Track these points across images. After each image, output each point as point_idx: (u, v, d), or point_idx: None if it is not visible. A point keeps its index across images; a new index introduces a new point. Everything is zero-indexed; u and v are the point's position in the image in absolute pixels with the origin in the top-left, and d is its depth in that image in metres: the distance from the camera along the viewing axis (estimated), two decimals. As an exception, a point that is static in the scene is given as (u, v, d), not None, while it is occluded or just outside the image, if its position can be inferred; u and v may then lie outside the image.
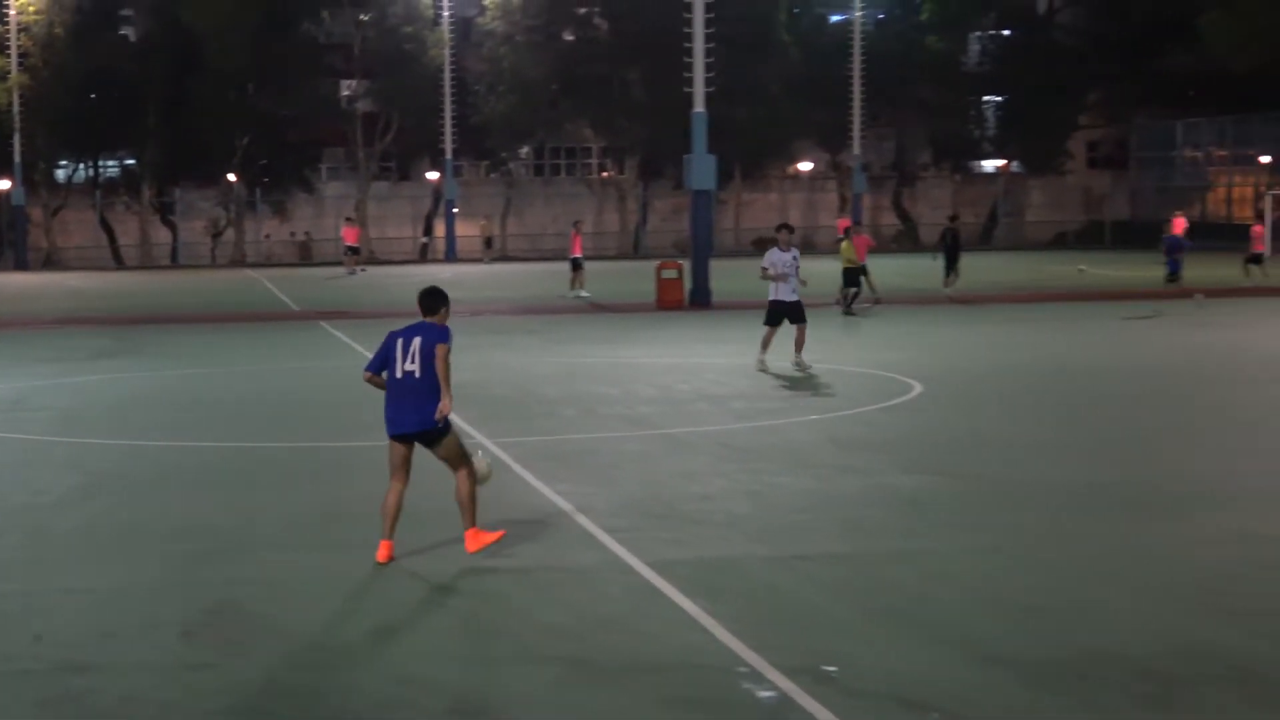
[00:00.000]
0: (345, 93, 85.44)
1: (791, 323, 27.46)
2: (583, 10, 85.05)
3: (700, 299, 44.95)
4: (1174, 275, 40.97)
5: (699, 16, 46.24)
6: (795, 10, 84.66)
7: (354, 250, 68.85)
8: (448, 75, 79.70)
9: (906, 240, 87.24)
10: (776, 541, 13.94)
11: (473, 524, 13.69)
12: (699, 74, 46.01)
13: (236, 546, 14.41)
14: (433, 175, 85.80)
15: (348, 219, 73.40)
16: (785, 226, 28.89)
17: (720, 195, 79.74)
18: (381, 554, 13.54)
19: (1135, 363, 28.89)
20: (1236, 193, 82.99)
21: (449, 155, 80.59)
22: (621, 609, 12.07)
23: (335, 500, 16.56)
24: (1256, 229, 51.73)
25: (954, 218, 52.29)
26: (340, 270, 68.33)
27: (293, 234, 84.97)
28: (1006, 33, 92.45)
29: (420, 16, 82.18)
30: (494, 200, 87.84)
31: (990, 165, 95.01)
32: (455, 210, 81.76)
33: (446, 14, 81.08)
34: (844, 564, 13.32)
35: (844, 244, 41.38)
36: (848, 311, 39.86)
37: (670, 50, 55.49)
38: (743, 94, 73.48)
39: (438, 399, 13.34)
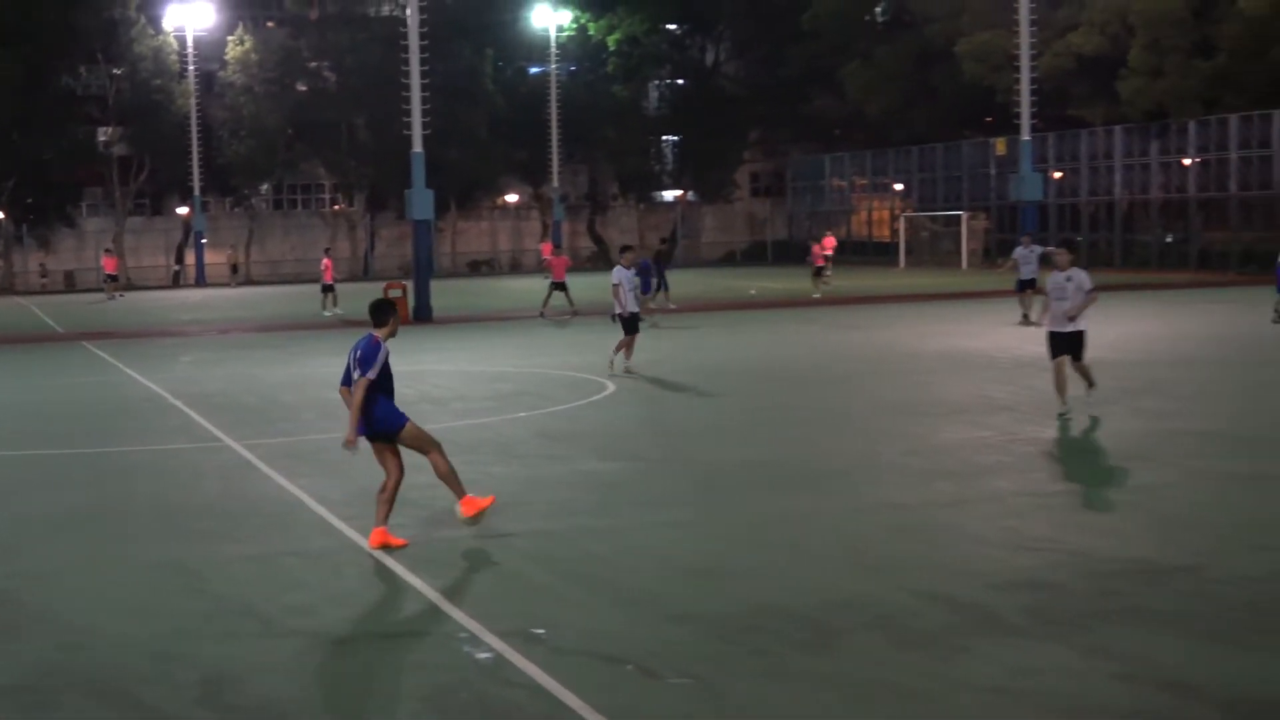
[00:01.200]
0: (102, 138, 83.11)
1: (626, 334, 27.45)
2: (313, 64, 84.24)
3: (423, 315, 44.70)
4: (645, 294, 40.30)
5: (415, 69, 46.07)
6: (499, 63, 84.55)
7: (113, 278, 67.76)
8: (194, 122, 78.30)
9: (600, 260, 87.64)
10: (490, 522, 13.86)
11: (463, 492, 13.20)
12: (416, 119, 45.81)
13: (10, 544, 13.93)
14: (183, 210, 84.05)
15: (107, 250, 72.10)
16: (629, 248, 28.99)
17: (438, 224, 79.45)
18: (372, 540, 13.07)
19: (792, 360, 29.41)
20: (876, 215, 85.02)
21: (197, 192, 79.21)
22: (355, 587, 11.94)
23: (101, 499, 16.12)
24: (815, 248, 52.60)
25: (664, 240, 52.87)
26: (101, 296, 66.90)
27: (44, 264, 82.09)
28: (680, 82, 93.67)
29: (168, 70, 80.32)
30: (238, 231, 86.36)
31: (669, 195, 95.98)
32: (204, 241, 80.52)
33: (191, 68, 79.53)
34: (549, 539, 13.33)
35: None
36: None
37: (391, 98, 55.10)
38: (455, 136, 73.32)
39: (385, 403, 13.03)
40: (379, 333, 13.27)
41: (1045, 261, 37.29)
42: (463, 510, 13.23)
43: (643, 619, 10.66)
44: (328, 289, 48.72)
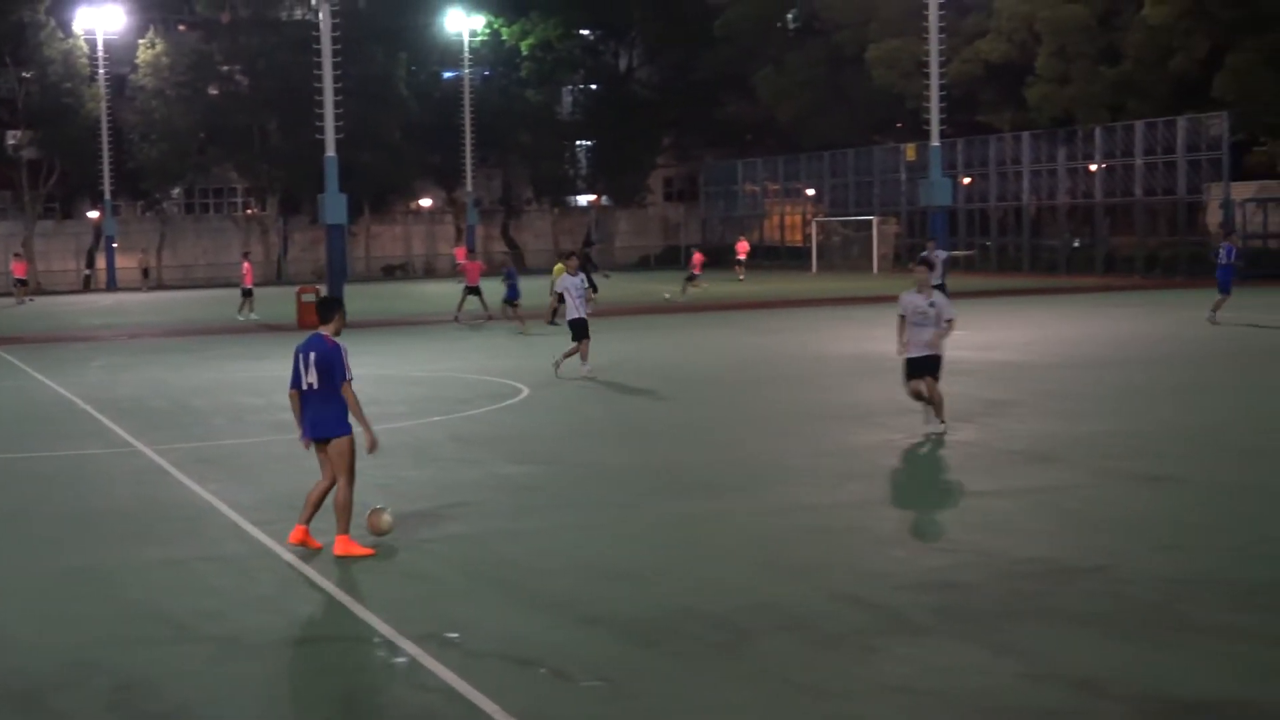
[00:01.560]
0: (11, 142, 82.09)
1: (575, 339, 27.18)
2: (226, 68, 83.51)
3: (337, 319, 44.36)
4: (512, 300, 40.18)
5: (328, 73, 45.84)
6: (413, 68, 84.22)
7: (23, 282, 67.17)
8: (105, 126, 77.48)
9: (514, 265, 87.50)
10: (404, 526, 13.79)
11: (344, 531, 12.85)
12: (329, 123, 45.57)
13: (-86, 552, 13.72)
14: (94, 214, 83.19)
15: (16, 254, 71.16)
16: (574, 254, 28.80)
17: (352, 228, 78.96)
18: (292, 536, 12.96)
19: (706, 363, 29.46)
20: (788, 220, 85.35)
21: (108, 196, 78.41)
22: (269, 592, 11.83)
23: (12, 505, 15.90)
24: (697, 256, 55.45)
25: (588, 244, 53.09)
26: (10, 300, 66.07)
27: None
28: (594, 87, 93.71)
29: (78, 74, 79.34)
30: (150, 235, 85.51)
31: (584, 199, 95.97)
32: (115, 245, 79.62)
33: (102, 71, 78.65)
34: (464, 543, 13.29)
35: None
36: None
37: (304, 102, 54.85)
38: (369, 140, 73.02)
39: (334, 407, 12.69)
40: (326, 330, 12.94)
41: (953, 264, 37.75)
42: (336, 547, 12.83)
43: (557, 622, 10.64)
44: (247, 293, 48.32)
